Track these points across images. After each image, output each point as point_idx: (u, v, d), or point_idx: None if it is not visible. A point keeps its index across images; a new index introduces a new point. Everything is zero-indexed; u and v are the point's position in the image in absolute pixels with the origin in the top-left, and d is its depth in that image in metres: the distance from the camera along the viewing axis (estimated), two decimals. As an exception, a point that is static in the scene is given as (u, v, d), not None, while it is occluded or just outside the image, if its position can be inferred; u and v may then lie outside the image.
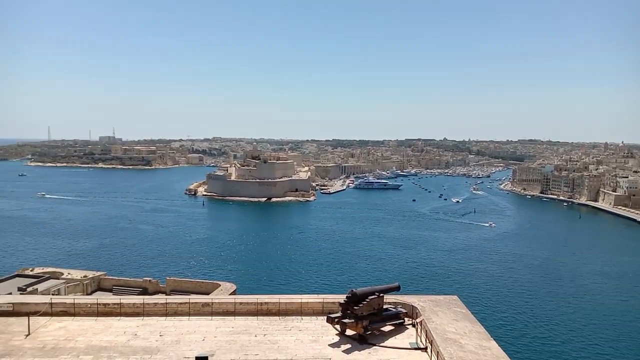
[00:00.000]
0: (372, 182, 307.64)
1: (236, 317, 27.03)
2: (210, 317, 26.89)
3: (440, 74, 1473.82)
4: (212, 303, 27.65)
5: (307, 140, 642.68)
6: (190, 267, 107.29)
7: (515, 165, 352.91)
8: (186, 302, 27.72)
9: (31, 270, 70.00)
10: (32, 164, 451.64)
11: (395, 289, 27.55)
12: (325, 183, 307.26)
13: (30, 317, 25.66)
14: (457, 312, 26.39)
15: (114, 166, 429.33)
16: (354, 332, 24.11)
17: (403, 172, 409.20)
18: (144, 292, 60.26)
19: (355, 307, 23.94)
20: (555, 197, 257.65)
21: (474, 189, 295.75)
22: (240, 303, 27.67)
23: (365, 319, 23.92)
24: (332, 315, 24.91)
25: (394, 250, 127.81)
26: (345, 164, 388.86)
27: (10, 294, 48.27)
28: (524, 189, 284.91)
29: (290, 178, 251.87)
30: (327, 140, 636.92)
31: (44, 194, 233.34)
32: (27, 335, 24.36)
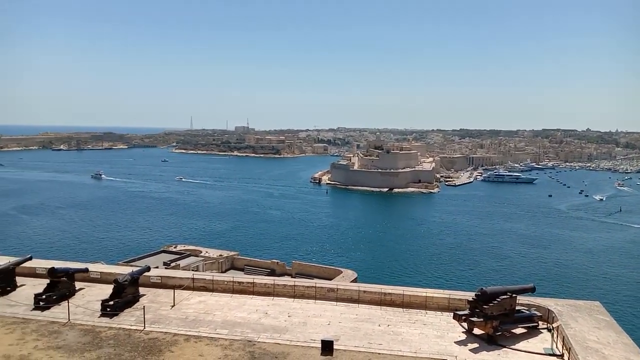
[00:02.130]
0: (503, 175, 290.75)
1: (360, 304, 27.38)
2: (335, 303, 27.52)
3: (588, 52, 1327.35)
4: (337, 289, 28.26)
5: (432, 130, 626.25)
6: (314, 252, 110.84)
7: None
8: (313, 286, 28.68)
9: (174, 247, 77.37)
10: (176, 151, 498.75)
11: (529, 290, 25.89)
12: (451, 175, 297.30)
13: (175, 290, 28.42)
14: (600, 319, 24.01)
15: (247, 154, 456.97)
16: (482, 332, 23.14)
17: (538, 164, 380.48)
18: (272, 273, 63.47)
19: (485, 306, 22.92)
20: None
21: (619, 184, 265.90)
22: (365, 291, 27.93)
23: (495, 319, 22.82)
24: (460, 312, 24.14)
25: (525, 249, 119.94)
26: (473, 155, 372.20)
27: (157, 267, 53.82)
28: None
29: (413, 169, 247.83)
30: (453, 130, 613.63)
31: (181, 178, 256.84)
32: (172, 306, 26.99)
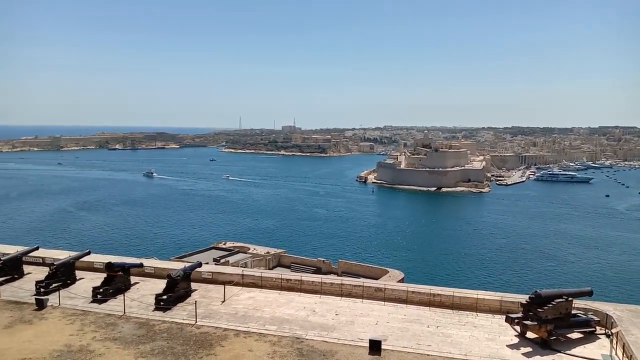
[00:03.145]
0: (557, 174, 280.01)
1: (408, 305, 27.07)
2: (383, 303, 27.31)
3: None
4: (385, 289, 28.05)
5: (483, 127, 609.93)
6: (359, 250, 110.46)
7: None
8: (360, 285, 28.57)
9: (224, 244, 78.88)
10: (225, 150, 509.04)
11: (587, 294, 24.84)
12: (502, 174, 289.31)
13: (225, 286, 29.00)
14: (664, 327, 22.69)
15: (293, 153, 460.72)
16: (536, 336, 22.41)
17: (595, 163, 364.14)
18: (318, 271, 63.60)
19: (539, 309, 22.16)
20: None
21: None
22: (413, 292, 27.59)
23: (550, 322, 22.03)
24: (512, 315, 23.48)
25: (581, 251, 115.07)
26: (526, 154, 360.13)
27: (207, 263, 55.06)
28: None
29: (462, 167, 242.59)
30: (505, 128, 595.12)
31: (228, 176, 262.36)
32: (222, 302, 27.54)
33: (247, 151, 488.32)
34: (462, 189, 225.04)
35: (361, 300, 27.83)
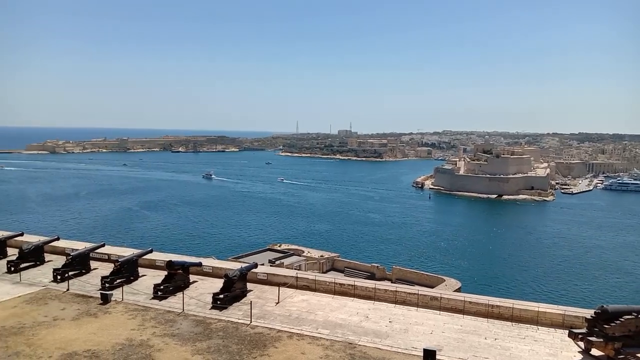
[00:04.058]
0: (627, 184, 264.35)
1: (465, 315, 26.27)
2: (439, 312, 26.68)
3: None
4: (441, 298, 27.39)
5: (547, 133, 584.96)
6: (414, 258, 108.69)
7: None
8: (415, 293, 28.04)
9: (279, 246, 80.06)
10: (282, 153, 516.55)
11: None
12: (567, 182, 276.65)
13: (280, 288, 29.31)
14: None
15: (349, 157, 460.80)
16: (602, 354, 21.12)
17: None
18: (372, 276, 63.20)
19: (606, 326, 20.87)
20: None
21: None
22: (470, 302, 26.76)
23: (617, 340, 20.70)
24: (576, 331, 22.26)
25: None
26: (593, 161, 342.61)
27: (263, 264, 55.93)
28: None
29: (525, 175, 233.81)
30: (571, 134, 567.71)
31: (283, 179, 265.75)
32: (276, 303, 27.82)
33: (303, 155, 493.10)
34: (524, 197, 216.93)
35: (416, 308, 27.31)
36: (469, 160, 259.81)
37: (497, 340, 23.15)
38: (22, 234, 40.75)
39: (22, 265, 33.55)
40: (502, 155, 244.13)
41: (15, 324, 24.06)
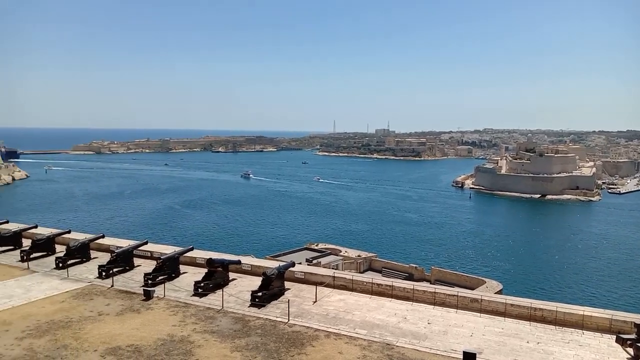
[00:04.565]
0: None
1: (506, 318, 25.69)
2: (479, 314, 26.17)
3: None
4: (482, 300, 26.86)
5: (594, 131, 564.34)
6: (453, 258, 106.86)
7: None
8: (454, 295, 27.60)
9: (316, 245, 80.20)
10: (319, 153, 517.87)
11: None
12: (615, 181, 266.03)
13: (317, 287, 29.40)
14: None
15: (386, 157, 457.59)
16: (653, 361, 20.26)
17: None
18: (410, 277, 62.52)
19: (658, 332, 20.03)
20: None
21: None
22: (512, 305, 26.14)
23: (671, 348, 19.81)
24: (624, 336, 21.44)
25: None
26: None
27: (300, 263, 56.17)
28: None
29: (570, 174, 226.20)
30: (619, 132, 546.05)
31: (319, 179, 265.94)
32: (314, 302, 27.92)
33: (340, 154, 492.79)
34: (568, 196, 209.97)
35: (455, 310, 26.88)
36: (511, 159, 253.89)
37: (539, 344, 22.53)
38: (69, 232, 42.36)
39: (70, 262, 34.92)
40: (546, 154, 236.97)
41: (63, 318, 25.05)
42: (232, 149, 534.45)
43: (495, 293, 48.68)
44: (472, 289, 50.25)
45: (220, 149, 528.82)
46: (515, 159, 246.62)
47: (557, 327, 24.58)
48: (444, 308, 27.16)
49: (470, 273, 70.04)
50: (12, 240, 40.04)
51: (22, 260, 35.64)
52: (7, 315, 25.46)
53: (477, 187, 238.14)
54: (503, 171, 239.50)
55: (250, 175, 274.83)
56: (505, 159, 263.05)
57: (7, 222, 46.94)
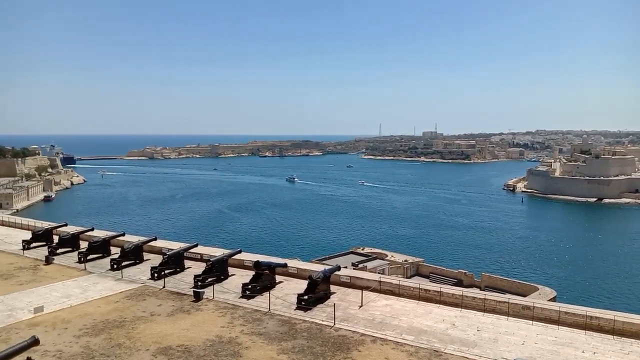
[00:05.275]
0: None
1: (560, 326, 24.70)
2: (531, 322, 25.30)
3: None
4: (534, 307, 25.96)
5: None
6: (505, 264, 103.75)
7: None
8: (505, 302, 26.81)
9: (362, 249, 79.80)
10: (365, 157, 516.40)
11: None
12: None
13: (363, 291, 29.26)
14: None
15: (434, 160, 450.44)
16: None
17: None
18: (459, 283, 61.21)
19: None
20: None
21: None
22: (566, 313, 25.12)
23: None
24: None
25: None
26: None
27: (346, 267, 56.13)
28: None
29: (628, 176, 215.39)
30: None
31: (363, 182, 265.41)
32: (360, 306, 27.80)
33: (386, 158, 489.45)
34: (627, 200, 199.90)
35: (506, 317, 26.08)
36: (565, 161, 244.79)
37: (595, 354, 21.54)
38: (123, 234, 44.07)
39: (124, 263, 36.30)
40: (603, 156, 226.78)
41: (117, 317, 26.06)
42: (279, 154, 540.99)
43: (549, 300, 46.97)
44: (524, 295, 48.66)
45: (267, 154, 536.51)
46: (570, 162, 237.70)
47: (615, 337, 23.42)
48: (495, 315, 26.41)
49: (522, 279, 67.87)
50: (71, 242, 42.09)
51: (80, 262, 37.35)
52: (66, 313, 26.74)
53: (529, 190, 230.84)
54: (557, 174, 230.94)
55: (296, 180, 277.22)
56: (559, 162, 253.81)
57: (65, 224, 49.33)
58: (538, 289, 54.32)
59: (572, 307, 26.18)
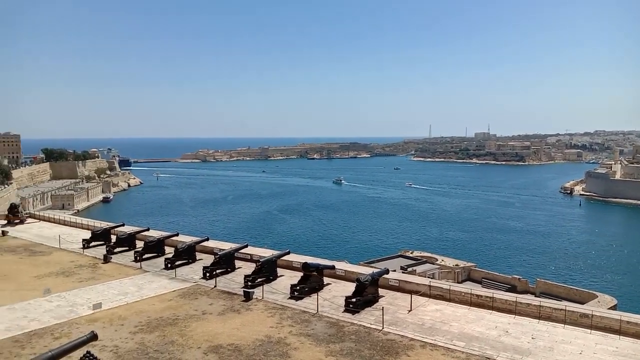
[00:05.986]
0: None
1: (621, 336, 23.43)
2: (589, 331, 24.15)
3: None
4: (592, 315, 24.76)
5: None
6: (561, 270, 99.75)
7: None
8: (562, 309, 25.72)
9: (411, 253, 78.83)
10: (414, 159, 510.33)
11: None
12: None
13: (412, 295, 28.84)
14: None
15: (487, 162, 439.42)
16: None
17: None
18: (512, 289, 59.31)
19: None
20: None
21: None
22: (628, 322, 23.82)
23: None
24: None
25: None
26: None
27: (395, 271, 55.56)
28: None
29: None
30: None
31: (411, 184, 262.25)
32: (409, 311, 27.40)
33: (437, 160, 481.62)
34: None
35: (562, 325, 25.01)
36: (626, 163, 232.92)
37: (663, 368, 20.30)
38: (176, 235, 45.43)
39: (177, 263, 37.41)
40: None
41: (171, 315, 26.87)
42: (327, 156, 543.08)
43: (609, 308, 44.71)
44: (582, 303, 46.52)
45: (315, 156, 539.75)
46: (632, 163, 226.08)
47: (683, 350, 21.99)
48: (550, 322, 25.37)
49: (580, 286, 65.01)
50: (127, 241, 43.79)
51: (136, 261, 38.79)
52: (122, 310, 27.83)
53: (588, 193, 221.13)
54: (617, 176, 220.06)
55: (342, 181, 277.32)
56: (620, 163, 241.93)
57: (122, 225, 51.38)
58: (597, 297, 51.84)
59: (635, 316, 24.76)
